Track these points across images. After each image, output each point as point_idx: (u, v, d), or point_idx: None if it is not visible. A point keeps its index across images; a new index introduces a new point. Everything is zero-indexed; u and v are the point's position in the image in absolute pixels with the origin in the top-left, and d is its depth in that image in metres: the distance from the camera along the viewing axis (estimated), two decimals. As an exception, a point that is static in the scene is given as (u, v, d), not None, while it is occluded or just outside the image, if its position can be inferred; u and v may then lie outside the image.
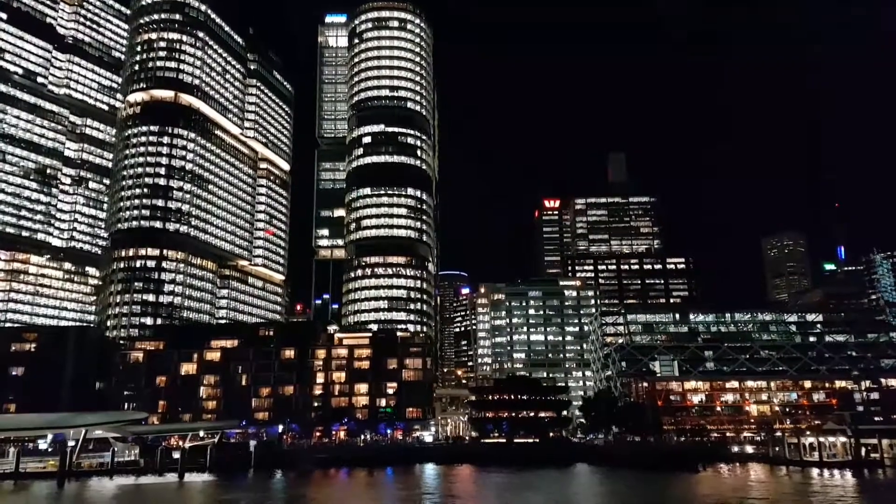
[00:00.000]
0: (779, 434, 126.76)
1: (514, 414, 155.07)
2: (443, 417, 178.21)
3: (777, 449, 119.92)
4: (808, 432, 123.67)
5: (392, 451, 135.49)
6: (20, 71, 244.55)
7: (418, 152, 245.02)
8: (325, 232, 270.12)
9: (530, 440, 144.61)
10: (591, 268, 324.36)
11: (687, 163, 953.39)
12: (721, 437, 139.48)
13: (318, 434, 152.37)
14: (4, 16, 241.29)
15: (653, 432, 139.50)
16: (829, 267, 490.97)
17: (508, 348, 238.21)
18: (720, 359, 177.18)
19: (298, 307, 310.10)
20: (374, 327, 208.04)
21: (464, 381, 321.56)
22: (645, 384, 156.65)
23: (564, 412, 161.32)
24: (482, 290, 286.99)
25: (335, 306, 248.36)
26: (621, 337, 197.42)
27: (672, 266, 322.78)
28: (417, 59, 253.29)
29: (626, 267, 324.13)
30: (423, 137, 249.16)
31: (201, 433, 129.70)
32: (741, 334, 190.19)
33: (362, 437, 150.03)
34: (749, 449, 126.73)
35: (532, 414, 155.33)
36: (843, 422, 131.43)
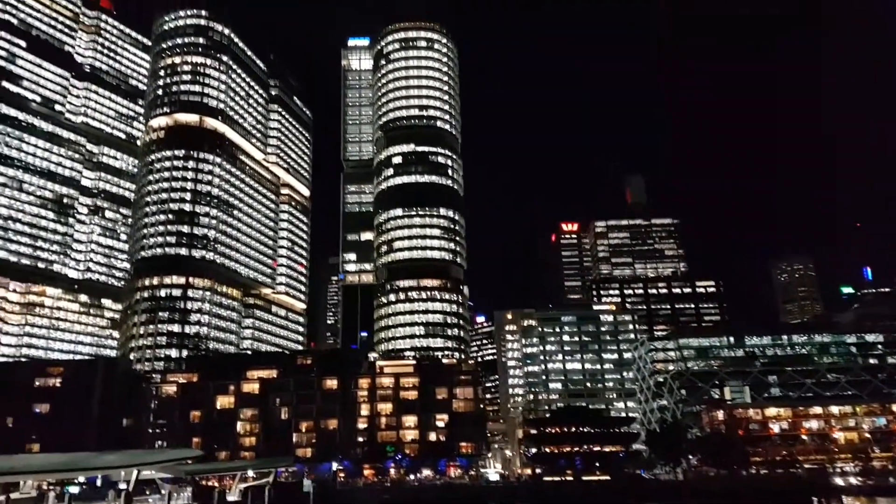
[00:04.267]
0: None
1: (577, 448, 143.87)
2: (491, 453, 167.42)
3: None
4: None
5: (458, 491, 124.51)
6: (38, 98, 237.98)
7: (449, 171, 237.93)
8: (352, 256, 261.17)
9: (599, 477, 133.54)
10: (617, 292, 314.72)
11: (703, 186, 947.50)
12: (818, 467, 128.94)
13: (368, 471, 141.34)
14: (23, 43, 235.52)
15: (738, 465, 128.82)
16: (847, 290, 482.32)
17: (543, 377, 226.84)
18: (784, 384, 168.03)
19: (312, 345, 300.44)
20: (411, 354, 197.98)
21: (490, 412, 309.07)
22: (721, 413, 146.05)
23: (633, 445, 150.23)
24: (509, 317, 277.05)
25: (364, 333, 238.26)
26: (672, 363, 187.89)
27: (702, 289, 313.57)
28: (445, 77, 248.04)
29: (654, 291, 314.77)
30: (454, 156, 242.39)
31: (250, 472, 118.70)
32: (800, 357, 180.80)
33: (418, 474, 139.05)
34: (853, 480, 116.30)
35: (598, 448, 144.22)
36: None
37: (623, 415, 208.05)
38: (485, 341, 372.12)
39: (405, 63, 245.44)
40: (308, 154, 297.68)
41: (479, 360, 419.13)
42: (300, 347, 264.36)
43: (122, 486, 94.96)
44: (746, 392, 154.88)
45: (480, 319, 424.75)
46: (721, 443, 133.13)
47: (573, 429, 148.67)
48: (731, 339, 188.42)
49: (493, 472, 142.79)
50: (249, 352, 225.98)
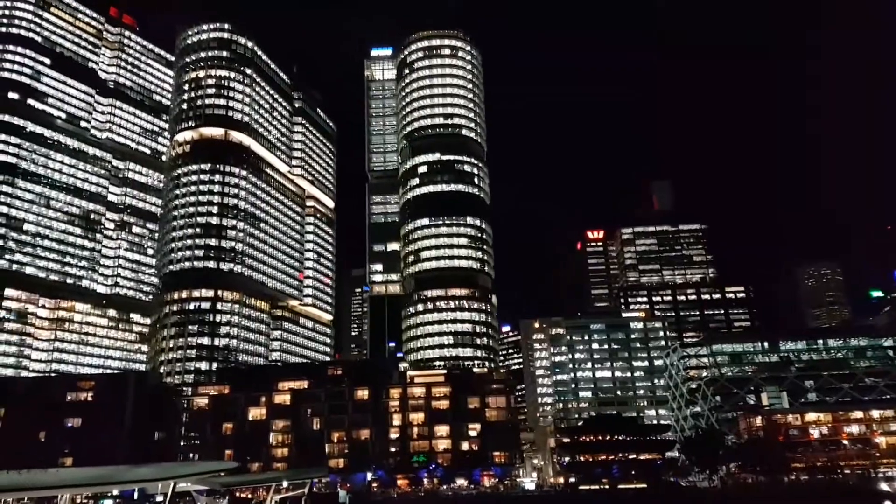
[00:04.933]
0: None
1: (612, 456, 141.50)
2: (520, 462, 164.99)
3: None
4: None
5: (495, 501, 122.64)
6: (63, 115, 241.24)
7: (475, 180, 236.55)
8: (379, 267, 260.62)
9: (635, 485, 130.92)
10: (645, 299, 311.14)
11: (729, 189, 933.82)
12: (861, 473, 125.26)
13: (401, 481, 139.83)
14: (48, 61, 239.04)
15: (779, 471, 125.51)
16: (877, 294, 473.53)
17: (573, 386, 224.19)
18: (821, 388, 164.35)
19: (337, 356, 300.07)
20: (440, 364, 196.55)
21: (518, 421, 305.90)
22: (759, 419, 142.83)
23: (669, 453, 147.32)
24: (536, 326, 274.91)
25: (392, 344, 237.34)
26: (705, 370, 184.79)
27: (731, 295, 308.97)
28: (470, 85, 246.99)
29: (683, 297, 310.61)
30: (480, 165, 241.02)
31: (285, 483, 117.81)
32: (837, 361, 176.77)
33: (451, 484, 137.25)
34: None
35: (634, 456, 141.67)
36: None
37: (655, 422, 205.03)
38: (510, 351, 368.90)
39: (429, 71, 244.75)
40: (332, 166, 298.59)
41: (506, 369, 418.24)
42: (328, 358, 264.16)
43: (159, 498, 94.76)
44: (784, 397, 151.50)
45: (505, 329, 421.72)
46: (761, 449, 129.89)
47: (608, 437, 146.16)
48: (766, 344, 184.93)
49: (528, 482, 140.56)
50: (279, 363, 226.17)
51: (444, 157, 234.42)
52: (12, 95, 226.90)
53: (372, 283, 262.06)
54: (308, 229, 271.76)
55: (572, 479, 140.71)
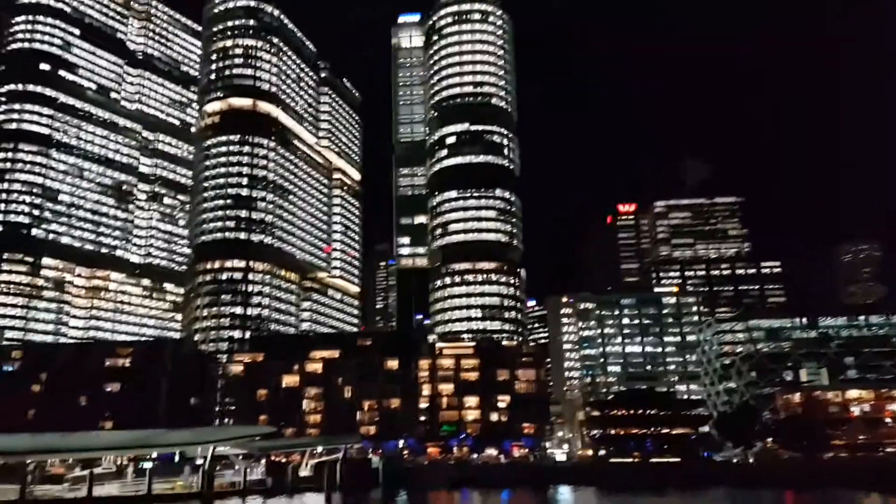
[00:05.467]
0: None
1: (644, 431, 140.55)
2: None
3: None
4: None
5: (529, 471, 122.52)
6: (94, 86, 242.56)
7: (505, 150, 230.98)
8: (406, 240, 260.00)
9: (668, 459, 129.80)
10: (678, 274, 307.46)
11: (765, 162, 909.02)
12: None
13: (432, 450, 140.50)
14: (77, 31, 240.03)
15: (818, 448, 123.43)
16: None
17: (601, 360, 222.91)
18: (861, 365, 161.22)
19: (362, 328, 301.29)
20: (467, 337, 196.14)
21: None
22: (798, 396, 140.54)
23: (702, 428, 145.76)
24: (564, 300, 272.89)
25: (419, 316, 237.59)
26: (741, 345, 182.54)
27: (767, 270, 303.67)
28: (500, 52, 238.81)
29: (717, 272, 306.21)
30: (510, 135, 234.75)
31: (319, 448, 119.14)
32: (878, 338, 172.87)
33: (481, 453, 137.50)
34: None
35: (667, 430, 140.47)
36: None
37: (686, 398, 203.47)
38: (536, 325, 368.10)
39: (458, 38, 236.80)
40: (358, 137, 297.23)
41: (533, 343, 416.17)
42: (355, 330, 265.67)
43: (199, 461, 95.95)
44: (824, 374, 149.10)
45: (531, 303, 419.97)
46: (800, 426, 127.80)
47: (640, 411, 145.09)
48: (804, 320, 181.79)
49: (559, 453, 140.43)
50: (309, 333, 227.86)
51: (473, 128, 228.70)
52: (44, 66, 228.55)
53: (399, 257, 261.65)
54: (335, 202, 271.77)
55: (602, 452, 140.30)
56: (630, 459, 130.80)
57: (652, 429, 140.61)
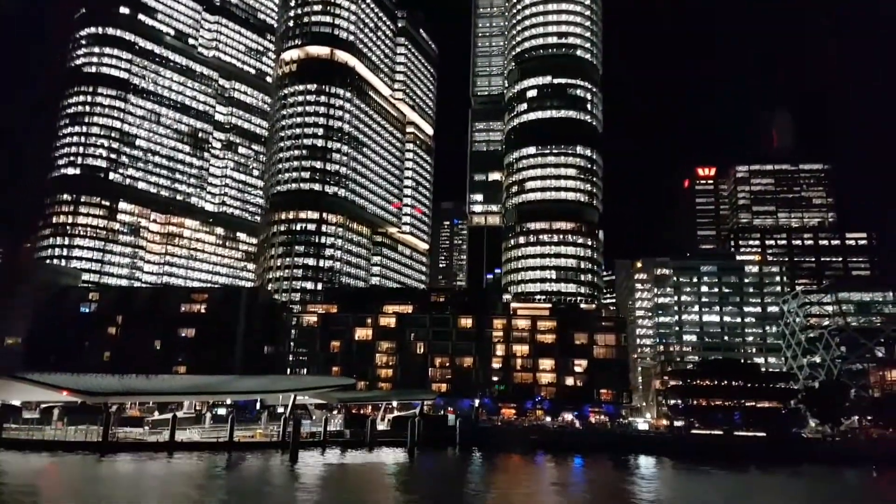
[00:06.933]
0: None
1: (728, 402, 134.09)
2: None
3: None
4: None
5: (615, 438, 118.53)
6: (172, 32, 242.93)
7: (588, 106, 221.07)
8: (479, 197, 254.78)
9: (753, 433, 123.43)
10: (758, 243, 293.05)
11: (854, 127, 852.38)
12: None
13: (507, 410, 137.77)
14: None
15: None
16: None
17: (676, 328, 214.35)
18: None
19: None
20: (541, 298, 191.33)
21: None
22: (895, 372, 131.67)
23: (792, 402, 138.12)
24: (639, 265, 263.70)
25: (489, 276, 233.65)
26: (828, 318, 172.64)
27: (852, 241, 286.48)
28: (588, 1, 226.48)
29: (798, 242, 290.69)
30: (594, 89, 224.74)
31: (394, 403, 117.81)
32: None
33: (557, 417, 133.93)
34: None
35: (752, 404, 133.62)
36: None
37: (764, 370, 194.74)
38: (604, 290, 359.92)
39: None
40: (433, 91, 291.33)
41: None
42: (423, 286, 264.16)
43: (280, 409, 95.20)
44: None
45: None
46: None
47: (724, 382, 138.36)
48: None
49: (641, 422, 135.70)
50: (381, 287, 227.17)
51: (556, 81, 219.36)
52: (123, 10, 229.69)
53: (471, 214, 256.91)
54: (408, 156, 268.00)
55: (679, 423, 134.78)
56: (714, 432, 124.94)
57: (736, 401, 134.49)
